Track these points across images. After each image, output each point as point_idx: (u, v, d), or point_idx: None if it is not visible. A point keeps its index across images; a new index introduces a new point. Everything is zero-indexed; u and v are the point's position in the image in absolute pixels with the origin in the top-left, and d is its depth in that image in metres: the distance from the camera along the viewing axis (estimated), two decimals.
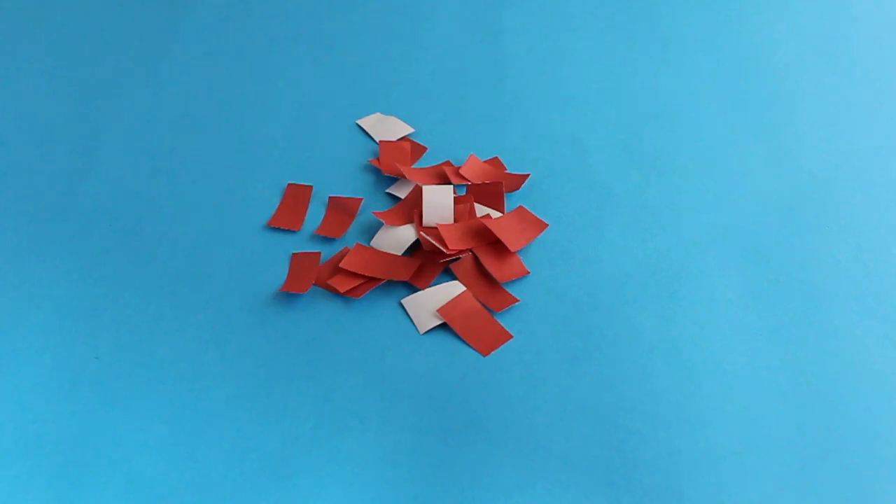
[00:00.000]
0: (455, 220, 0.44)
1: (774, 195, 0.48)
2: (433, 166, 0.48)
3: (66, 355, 0.40)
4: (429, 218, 0.44)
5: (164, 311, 0.42)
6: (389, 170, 0.48)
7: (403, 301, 0.42)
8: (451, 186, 0.45)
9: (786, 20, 0.60)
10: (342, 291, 0.42)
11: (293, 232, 0.45)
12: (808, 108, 0.53)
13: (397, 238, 0.44)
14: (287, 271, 0.43)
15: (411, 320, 0.42)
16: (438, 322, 0.41)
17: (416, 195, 0.46)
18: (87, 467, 0.36)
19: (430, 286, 0.43)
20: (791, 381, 0.40)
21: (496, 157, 0.49)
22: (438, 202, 0.44)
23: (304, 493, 0.36)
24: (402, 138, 0.50)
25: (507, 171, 0.48)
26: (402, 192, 0.47)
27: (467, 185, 0.46)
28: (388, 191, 0.47)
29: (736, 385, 0.40)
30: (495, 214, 0.45)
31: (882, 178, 0.49)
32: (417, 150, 0.50)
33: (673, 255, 0.45)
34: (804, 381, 0.40)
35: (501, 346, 0.41)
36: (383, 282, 0.43)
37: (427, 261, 0.44)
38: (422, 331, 0.41)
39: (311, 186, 0.47)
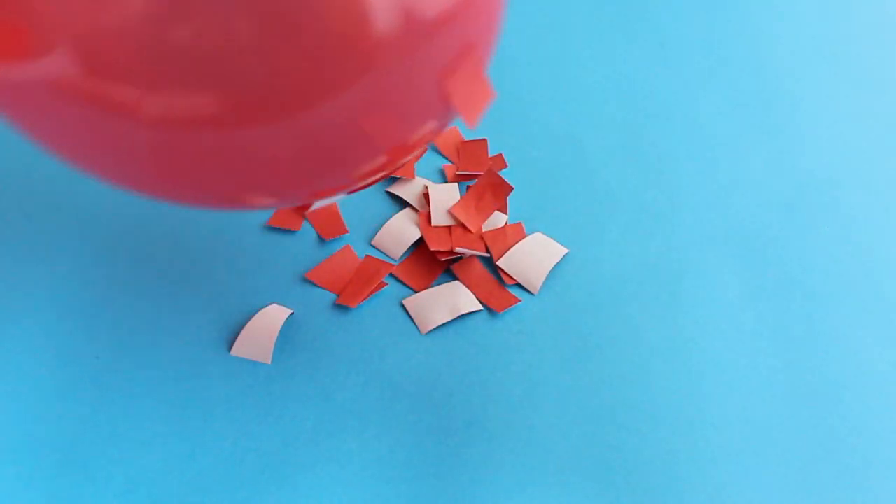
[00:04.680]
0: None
1: (774, 195, 0.48)
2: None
3: (66, 355, 0.40)
4: (437, 218, 0.44)
5: (164, 311, 0.42)
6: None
7: (405, 302, 0.42)
8: (457, 185, 0.45)
9: (785, 20, 0.60)
10: (353, 305, 0.42)
11: (293, 232, 0.45)
12: (808, 108, 0.53)
13: (399, 237, 0.44)
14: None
15: (412, 321, 0.42)
16: (440, 322, 0.41)
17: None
18: (87, 467, 0.36)
19: (431, 286, 0.43)
20: (791, 381, 0.40)
21: (500, 154, 0.49)
22: (446, 204, 0.44)
23: (304, 493, 0.36)
24: None
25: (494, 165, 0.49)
26: (402, 191, 0.47)
27: (469, 187, 0.46)
28: (387, 189, 0.47)
29: (736, 385, 0.40)
30: (501, 217, 0.45)
31: (882, 178, 0.49)
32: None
33: (673, 255, 0.45)
34: (804, 381, 0.40)
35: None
36: (385, 286, 0.43)
37: (427, 262, 0.44)
38: (423, 331, 0.41)
39: None
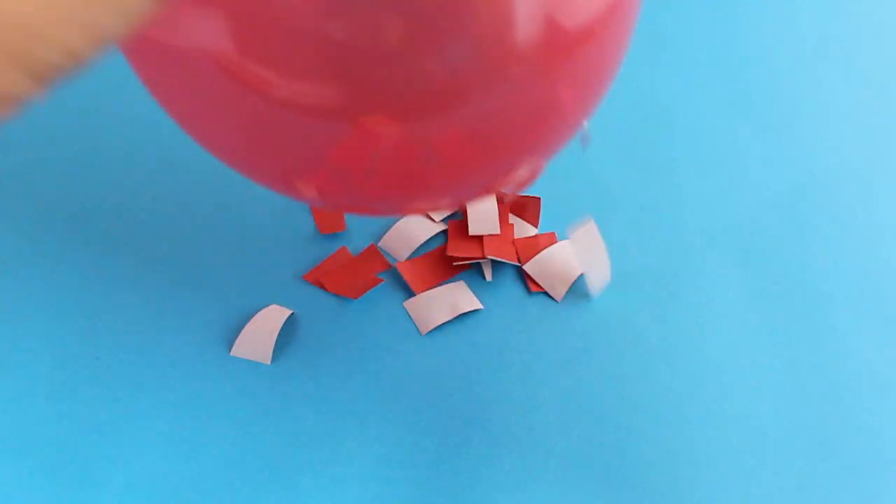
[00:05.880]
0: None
1: (774, 195, 0.48)
2: None
3: (66, 355, 0.40)
4: (474, 228, 0.43)
5: (165, 311, 0.42)
6: None
7: (406, 304, 0.42)
8: (493, 195, 0.44)
9: (786, 19, 0.60)
10: (339, 293, 0.42)
11: (293, 232, 0.45)
12: (808, 108, 0.53)
13: (407, 240, 0.44)
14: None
15: (412, 321, 0.42)
16: (440, 322, 0.41)
17: None
18: (87, 467, 0.36)
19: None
20: (791, 381, 0.40)
21: None
22: (483, 212, 0.43)
23: (304, 493, 0.36)
24: None
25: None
26: None
27: (502, 195, 0.45)
28: None
29: (736, 385, 0.40)
30: (531, 229, 0.45)
31: (882, 178, 0.49)
32: None
33: (673, 255, 0.45)
34: (804, 381, 0.40)
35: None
36: (382, 282, 0.42)
37: (434, 266, 0.43)
38: (423, 331, 0.41)
39: None
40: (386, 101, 0.23)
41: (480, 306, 0.41)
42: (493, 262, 0.44)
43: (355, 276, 0.42)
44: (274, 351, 0.40)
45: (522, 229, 0.45)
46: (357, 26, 0.21)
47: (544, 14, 0.22)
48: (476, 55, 0.22)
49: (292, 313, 0.41)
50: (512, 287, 0.43)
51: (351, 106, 0.23)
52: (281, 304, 0.42)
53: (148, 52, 0.25)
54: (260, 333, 0.40)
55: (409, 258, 0.44)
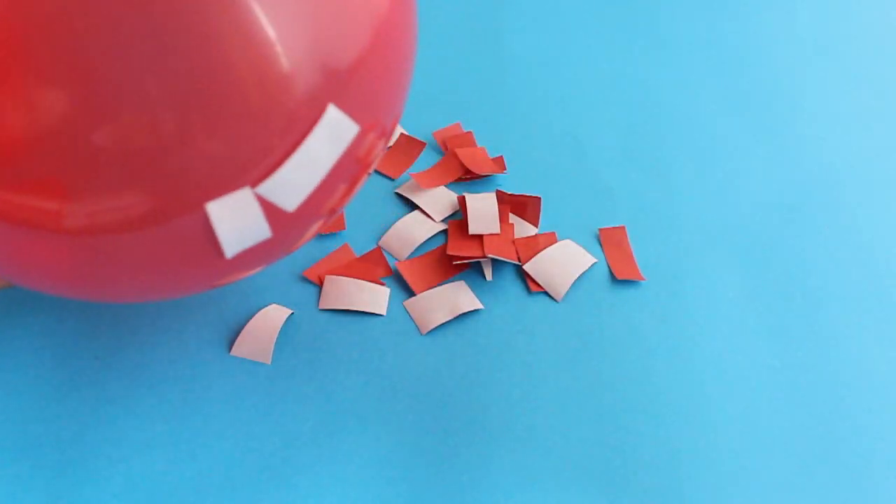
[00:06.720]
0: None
1: (774, 195, 0.48)
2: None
3: (66, 355, 0.40)
4: (474, 227, 0.43)
5: (164, 311, 0.42)
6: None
7: (405, 303, 0.42)
8: (494, 194, 0.44)
9: (785, 19, 0.60)
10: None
11: None
12: (808, 108, 0.53)
13: (407, 240, 0.44)
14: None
15: (413, 321, 0.42)
16: (440, 322, 0.41)
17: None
18: (87, 467, 0.36)
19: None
20: (791, 381, 0.40)
21: (500, 157, 0.49)
22: (483, 211, 0.43)
23: (304, 493, 0.36)
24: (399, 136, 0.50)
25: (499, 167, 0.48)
26: (411, 193, 0.46)
27: (502, 194, 0.45)
28: (396, 191, 0.47)
29: (736, 385, 0.40)
30: (531, 228, 0.45)
31: (882, 178, 0.49)
32: (414, 147, 0.49)
33: (673, 255, 0.45)
34: (804, 381, 0.40)
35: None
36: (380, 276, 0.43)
37: (434, 265, 0.43)
38: (423, 331, 0.41)
39: None
40: (173, 196, 0.21)
41: (480, 306, 0.41)
42: (494, 261, 0.44)
43: (356, 276, 0.42)
44: (274, 351, 0.40)
45: (522, 229, 0.45)
46: (129, 127, 0.19)
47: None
48: (252, 121, 0.21)
49: (292, 313, 0.41)
50: (512, 287, 0.43)
51: (144, 210, 0.21)
52: (281, 304, 0.42)
53: None
54: (260, 333, 0.40)
55: (409, 258, 0.44)
